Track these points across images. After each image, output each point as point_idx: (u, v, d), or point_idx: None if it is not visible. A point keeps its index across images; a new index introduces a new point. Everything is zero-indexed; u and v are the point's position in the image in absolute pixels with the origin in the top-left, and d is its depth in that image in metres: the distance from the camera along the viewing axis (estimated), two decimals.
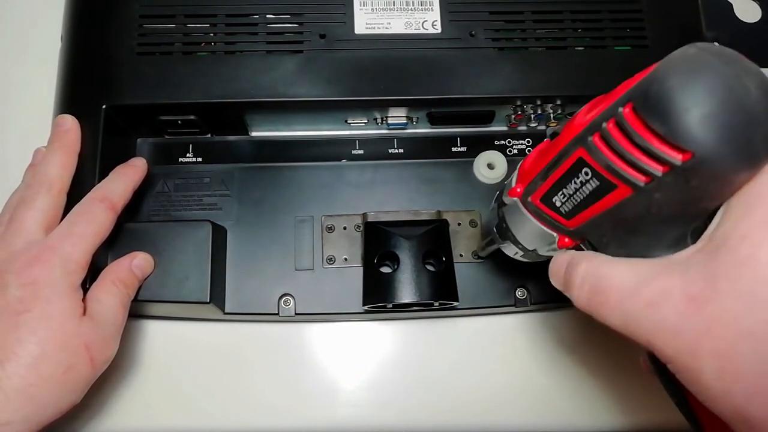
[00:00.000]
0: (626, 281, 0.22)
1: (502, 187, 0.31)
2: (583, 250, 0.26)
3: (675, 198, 0.21)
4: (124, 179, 0.35)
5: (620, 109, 0.20)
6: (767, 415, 0.19)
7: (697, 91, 0.19)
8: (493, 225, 0.33)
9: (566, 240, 0.27)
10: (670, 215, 0.22)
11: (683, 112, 0.19)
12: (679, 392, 0.25)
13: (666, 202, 0.21)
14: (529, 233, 0.29)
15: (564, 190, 0.24)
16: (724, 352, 0.19)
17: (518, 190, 0.28)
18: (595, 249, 0.25)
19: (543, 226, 0.28)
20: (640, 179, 0.20)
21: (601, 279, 0.23)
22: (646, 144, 0.20)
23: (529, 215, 0.28)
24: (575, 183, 0.23)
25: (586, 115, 0.23)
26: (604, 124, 0.21)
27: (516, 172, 0.29)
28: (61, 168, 0.34)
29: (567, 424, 0.40)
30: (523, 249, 0.31)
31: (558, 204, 0.25)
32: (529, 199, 0.27)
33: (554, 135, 0.26)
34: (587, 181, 0.23)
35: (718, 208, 0.21)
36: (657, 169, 0.20)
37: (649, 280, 0.22)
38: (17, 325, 0.29)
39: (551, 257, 0.30)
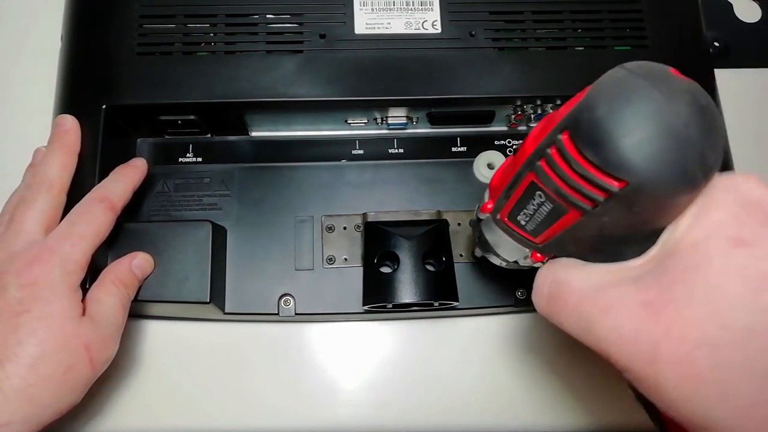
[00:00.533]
0: (584, 286, 0.22)
1: (479, 200, 0.31)
2: None
3: (622, 221, 0.20)
4: (124, 179, 0.35)
5: (559, 136, 0.20)
6: (730, 421, 0.18)
7: (627, 118, 0.18)
8: (476, 237, 0.32)
9: (537, 255, 0.27)
10: (623, 236, 0.21)
11: (614, 141, 0.18)
12: (644, 400, 0.24)
13: (614, 224, 0.21)
14: (506, 247, 0.29)
15: (525, 210, 0.24)
16: (684, 359, 0.19)
17: (489, 206, 0.28)
18: None
19: (513, 241, 0.27)
20: (587, 204, 0.20)
21: (561, 284, 0.23)
22: (585, 172, 0.19)
23: (499, 231, 0.28)
24: (533, 204, 0.23)
25: (535, 137, 0.23)
26: (548, 150, 0.21)
27: (487, 188, 0.29)
28: (61, 168, 0.34)
29: (566, 424, 0.40)
30: (505, 260, 0.31)
31: (523, 223, 0.25)
32: (498, 216, 0.27)
33: (516, 150, 0.26)
34: (542, 203, 0.23)
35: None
36: (599, 195, 0.20)
37: (604, 287, 0.21)
38: (17, 325, 0.29)
39: (533, 268, 0.30)
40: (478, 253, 0.38)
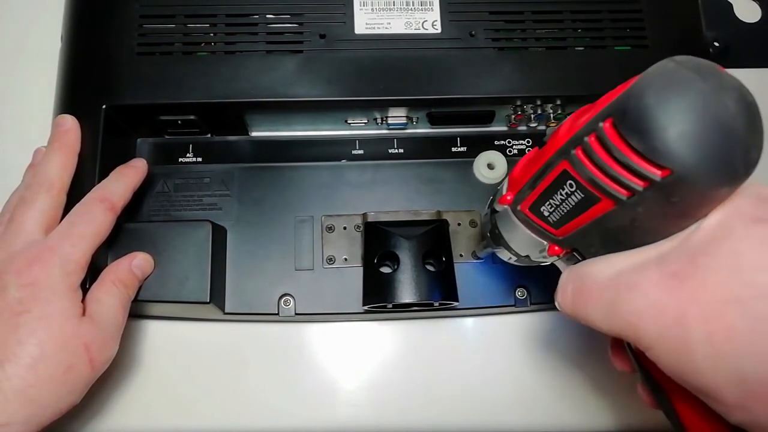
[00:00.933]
0: (606, 274, 0.23)
1: (494, 192, 0.31)
2: (574, 257, 0.26)
3: (657, 212, 0.21)
4: (124, 180, 0.35)
5: (600, 124, 0.20)
6: (761, 373, 0.19)
7: (675, 108, 0.19)
8: (487, 230, 0.33)
9: (556, 248, 0.27)
10: (654, 228, 0.22)
11: (661, 130, 0.19)
12: (666, 400, 0.25)
13: (649, 215, 0.21)
14: (521, 240, 0.29)
15: (551, 200, 0.24)
16: (713, 316, 0.19)
17: (508, 197, 0.28)
18: (583, 258, 0.25)
19: (533, 235, 0.27)
20: (622, 193, 0.20)
21: (583, 279, 0.24)
22: (626, 160, 0.20)
23: (519, 223, 0.28)
24: (561, 194, 0.23)
25: (570, 126, 0.23)
26: (586, 138, 0.21)
27: (506, 179, 0.29)
28: (61, 168, 0.34)
29: (566, 425, 0.40)
30: (516, 255, 0.31)
31: (546, 213, 0.25)
32: (519, 207, 0.27)
33: (542, 143, 0.26)
34: (572, 192, 0.23)
35: None
36: (638, 185, 0.20)
37: (628, 267, 0.22)
38: (17, 326, 0.29)
39: (545, 263, 0.30)
40: (481, 251, 0.38)
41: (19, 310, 0.29)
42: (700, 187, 0.19)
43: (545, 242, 0.27)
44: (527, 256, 0.30)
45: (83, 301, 0.32)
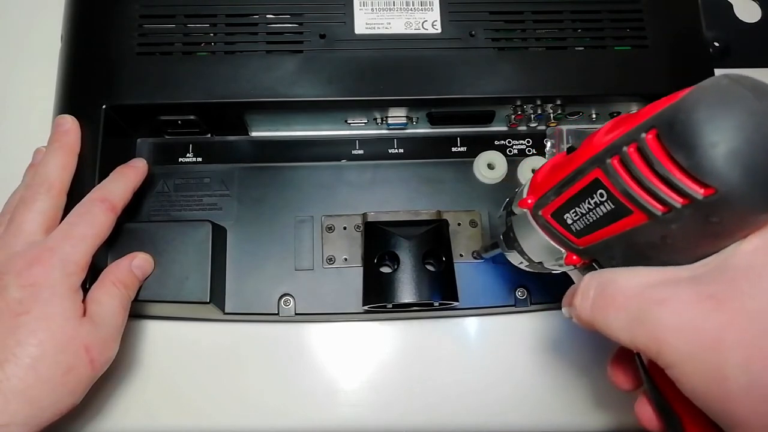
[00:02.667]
0: (632, 284, 0.22)
1: (512, 195, 0.31)
2: (592, 268, 0.26)
3: (692, 231, 0.20)
4: (124, 180, 0.35)
5: (643, 135, 0.20)
6: None
7: (726, 125, 0.18)
8: (500, 233, 0.32)
9: (574, 257, 0.26)
10: (685, 246, 0.21)
11: (710, 147, 0.18)
12: (676, 423, 0.24)
13: (682, 233, 0.20)
14: (537, 246, 0.28)
15: (577, 208, 0.24)
16: (752, 344, 0.19)
17: (529, 201, 0.27)
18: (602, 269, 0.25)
19: (551, 241, 0.27)
20: (658, 208, 0.20)
21: (607, 284, 0.23)
22: (667, 174, 0.19)
23: (538, 229, 0.27)
24: (589, 203, 0.23)
25: (606, 134, 0.22)
26: (625, 148, 0.20)
27: (528, 183, 0.29)
28: (61, 168, 0.34)
29: (566, 424, 0.40)
30: (529, 260, 0.30)
31: (569, 221, 0.25)
32: (540, 212, 0.26)
33: (571, 149, 0.25)
34: (602, 202, 0.22)
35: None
36: (676, 201, 0.19)
37: (657, 282, 0.21)
38: (17, 326, 0.29)
39: (557, 271, 0.29)
40: (485, 251, 0.38)
41: (19, 311, 0.29)
42: (743, 210, 0.19)
43: (563, 250, 0.27)
44: (540, 263, 0.30)
45: (83, 301, 0.32)
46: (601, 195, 0.22)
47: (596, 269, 0.25)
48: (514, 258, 0.32)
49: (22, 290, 0.30)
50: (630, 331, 0.22)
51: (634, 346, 0.22)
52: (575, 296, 0.25)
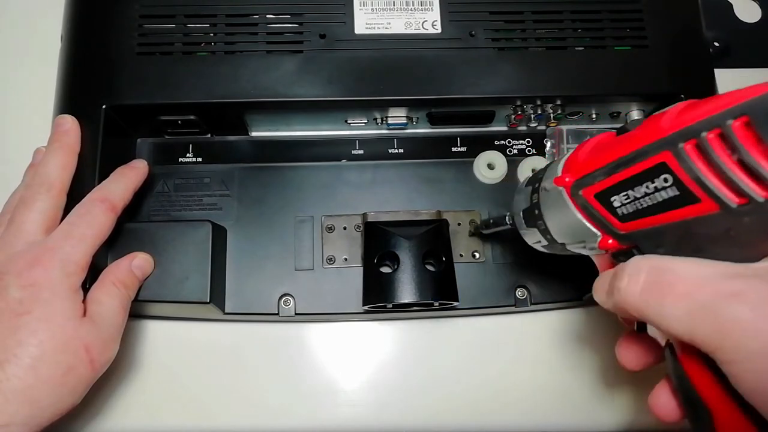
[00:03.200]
0: (696, 275, 0.21)
1: (542, 170, 0.29)
2: (627, 254, 0.24)
3: (764, 226, 0.19)
4: (124, 180, 0.35)
5: (729, 121, 0.19)
6: None
7: None
8: (520, 209, 0.30)
9: (610, 242, 0.25)
10: (749, 242, 0.20)
11: None
12: (706, 418, 0.23)
13: (752, 228, 0.19)
14: (566, 226, 0.27)
15: (630, 191, 0.23)
16: None
17: (567, 179, 0.26)
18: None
19: (587, 222, 0.26)
20: (734, 199, 0.19)
21: (664, 271, 0.22)
22: (755, 164, 0.18)
23: (573, 207, 0.26)
24: (647, 187, 0.22)
25: (676, 117, 0.21)
26: (704, 133, 0.19)
27: (563, 160, 0.27)
28: (61, 168, 0.34)
29: (567, 425, 0.40)
30: (550, 240, 0.29)
31: (616, 204, 0.24)
32: (581, 191, 0.25)
33: (622, 130, 0.24)
34: (664, 188, 0.21)
35: None
36: (758, 194, 0.18)
37: (727, 276, 0.21)
38: (17, 326, 0.29)
39: (578, 254, 0.28)
40: (485, 227, 0.37)
41: (19, 311, 0.29)
42: None
43: (599, 233, 0.25)
44: (563, 244, 0.28)
45: (84, 302, 0.32)
46: (665, 180, 0.21)
47: (635, 255, 0.24)
48: (531, 237, 0.31)
49: (22, 290, 0.30)
50: (689, 322, 0.21)
51: (689, 337, 0.21)
52: (619, 279, 0.23)
